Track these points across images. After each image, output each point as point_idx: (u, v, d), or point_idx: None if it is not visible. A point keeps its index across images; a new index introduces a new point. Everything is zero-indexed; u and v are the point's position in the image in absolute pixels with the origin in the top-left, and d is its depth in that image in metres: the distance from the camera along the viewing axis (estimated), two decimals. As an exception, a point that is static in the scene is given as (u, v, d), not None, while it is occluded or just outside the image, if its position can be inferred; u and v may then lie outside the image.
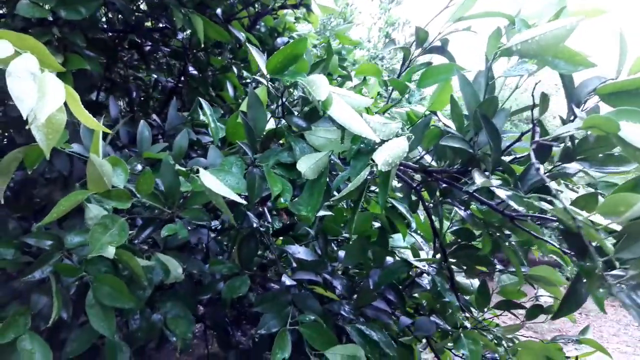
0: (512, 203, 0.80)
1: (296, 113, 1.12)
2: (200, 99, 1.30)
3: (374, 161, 0.99)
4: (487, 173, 0.92)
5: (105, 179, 0.97)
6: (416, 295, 1.57)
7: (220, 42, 2.12)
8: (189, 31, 2.00)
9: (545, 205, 0.76)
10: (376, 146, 0.90)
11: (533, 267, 1.40)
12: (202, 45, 1.90)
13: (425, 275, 1.56)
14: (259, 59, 1.00)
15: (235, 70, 2.12)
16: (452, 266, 1.32)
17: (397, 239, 1.60)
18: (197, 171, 1.02)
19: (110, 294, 1.25)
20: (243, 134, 1.13)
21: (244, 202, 0.98)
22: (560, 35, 0.77)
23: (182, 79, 2.09)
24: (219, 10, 1.86)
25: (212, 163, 1.21)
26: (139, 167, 1.26)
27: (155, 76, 2.18)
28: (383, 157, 0.84)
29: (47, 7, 1.42)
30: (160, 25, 1.92)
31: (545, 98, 0.88)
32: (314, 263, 1.36)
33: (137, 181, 1.08)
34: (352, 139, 0.97)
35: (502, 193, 0.82)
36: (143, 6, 1.83)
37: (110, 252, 1.23)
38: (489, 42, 0.96)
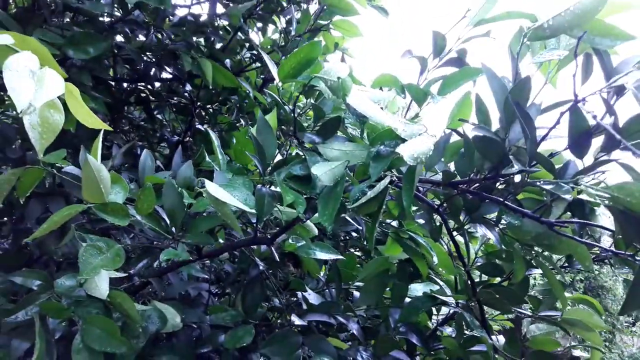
0: (559, 193, 0.71)
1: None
2: (208, 129, 1.25)
3: (393, 171, 0.92)
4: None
5: (103, 187, 0.89)
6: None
7: (227, 98, 2.12)
8: (196, 85, 2.01)
9: (592, 191, 0.67)
10: (399, 143, 0.82)
11: (568, 310, 1.26)
12: (210, 88, 1.88)
13: (447, 326, 1.42)
14: (271, 66, 0.95)
15: (243, 123, 2.09)
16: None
17: (413, 289, 1.47)
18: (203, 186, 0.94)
19: (101, 338, 1.11)
20: (252, 152, 1.06)
21: (252, 211, 0.89)
22: (596, 1, 0.73)
23: (189, 134, 2.06)
24: (227, 61, 1.86)
25: (218, 188, 1.12)
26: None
27: (159, 134, 2.15)
28: (409, 150, 0.77)
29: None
30: (168, 74, 1.92)
31: (589, 58, 0.82)
32: (327, 304, 1.23)
33: (136, 199, 0.99)
34: (371, 141, 0.89)
35: (545, 186, 0.74)
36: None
37: (103, 291, 1.12)
38: (513, 39, 0.92)
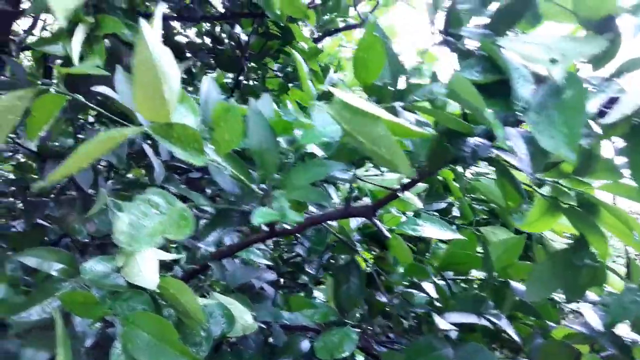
0: None
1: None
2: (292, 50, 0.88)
3: None
4: None
5: (167, 90, 0.51)
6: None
7: (280, 50, 1.75)
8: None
9: None
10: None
11: None
12: (262, 34, 1.52)
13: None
14: None
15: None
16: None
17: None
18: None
19: (150, 345, 0.72)
20: (381, 61, 0.69)
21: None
22: None
23: (235, 92, 1.70)
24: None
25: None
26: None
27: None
28: None
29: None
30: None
31: None
32: (474, 300, 0.85)
33: (213, 122, 0.62)
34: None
35: None
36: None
37: (152, 278, 0.75)
38: None
